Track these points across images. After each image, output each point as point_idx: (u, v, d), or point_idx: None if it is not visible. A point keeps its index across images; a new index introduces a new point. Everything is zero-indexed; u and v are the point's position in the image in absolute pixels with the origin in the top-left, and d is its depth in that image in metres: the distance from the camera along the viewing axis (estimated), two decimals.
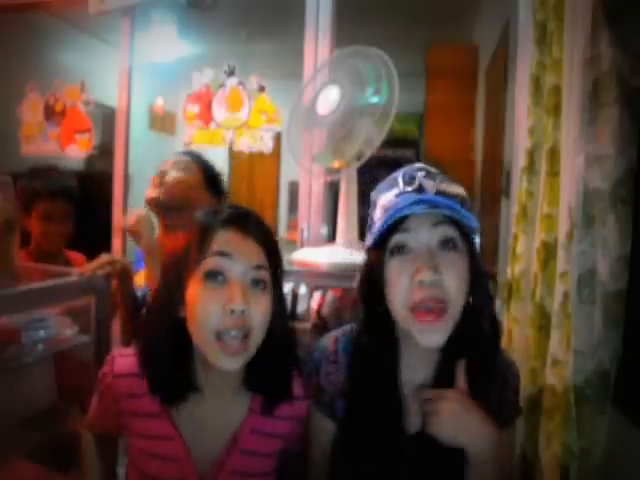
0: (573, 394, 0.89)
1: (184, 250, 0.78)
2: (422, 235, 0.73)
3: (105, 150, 2.76)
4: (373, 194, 0.82)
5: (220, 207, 0.82)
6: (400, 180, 0.76)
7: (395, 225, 0.74)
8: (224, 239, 0.76)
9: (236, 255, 0.75)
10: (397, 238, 0.74)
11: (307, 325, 1.84)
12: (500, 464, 0.75)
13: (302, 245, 2.01)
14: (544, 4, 1.14)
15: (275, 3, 3.04)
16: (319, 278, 1.54)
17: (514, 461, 1.08)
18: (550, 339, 0.99)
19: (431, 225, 0.73)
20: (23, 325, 1.23)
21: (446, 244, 0.74)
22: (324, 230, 2.13)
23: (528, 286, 1.17)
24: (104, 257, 1.26)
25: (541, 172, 1.11)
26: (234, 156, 4.88)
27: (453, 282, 0.72)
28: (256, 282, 0.76)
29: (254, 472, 0.82)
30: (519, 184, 1.25)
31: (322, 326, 1.74)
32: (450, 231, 0.74)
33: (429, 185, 0.74)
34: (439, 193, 0.74)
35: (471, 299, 0.76)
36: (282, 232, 5.03)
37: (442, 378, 0.79)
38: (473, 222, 0.76)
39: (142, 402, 0.80)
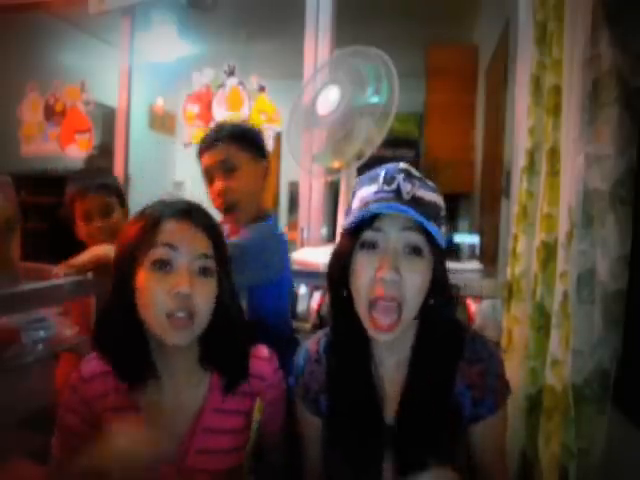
0: (572, 394, 0.89)
1: (134, 239, 0.81)
2: (391, 236, 0.78)
3: (105, 150, 2.76)
4: (355, 184, 0.86)
5: (169, 199, 0.85)
6: (381, 178, 0.79)
7: (369, 222, 0.78)
8: (171, 230, 0.80)
9: (182, 247, 0.79)
10: (368, 235, 0.78)
11: (307, 325, 1.84)
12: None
13: (302, 245, 2.01)
14: (544, 4, 1.14)
15: (275, 3, 3.04)
16: (319, 278, 1.55)
17: (511, 451, 1.08)
18: (550, 339, 0.99)
19: (401, 229, 0.77)
20: (23, 325, 1.23)
21: (411, 249, 0.78)
22: (324, 230, 2.13)
23: (528, 286, 1.17)
24: (75, 261, 1.22)
25: (541, 172, 1.11)
26: None
27: (411, 284, 0.76)
28: (202, 270, 0.81)
29: (219, 449, 0.85)
30: (519, 184, 1.25)
31: (322, 326, 1.74)
32: (416, 237, 0.77)
33: (407, 189, 0.77)
34: (415, 199, 0.77)
35: (433, 300, 0.81)
36: None
37: (412, 369, 0.82)
38: (438, 236, 0.78)
39: (112, 398, 0.84)
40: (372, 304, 0.77)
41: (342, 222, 1.55)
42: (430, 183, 0.82)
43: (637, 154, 0.85)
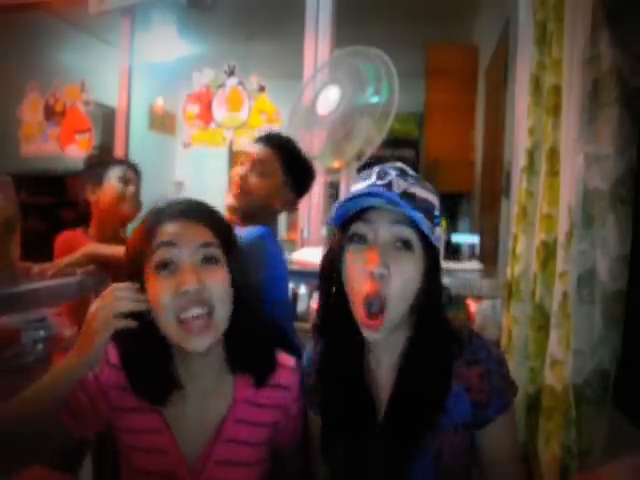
0: (572, 394, 0.89)
1: (136, 250, 0.80)
2: (380, 229, 0.76)
3: (105, 150, 2.76)
4: (350, 185, 0.85)
5: (163, 203, 0.83)
6: (374, 173, 0.79)
7: (358, 215, 0.77)
8: (166, 230, 0.78)
9: (180, 241, 0.77)
10: (357, 227, 0.77)
11: (307, 325, 1.84)
12: None
13: (302, 245, 2.01)
14: (544, 4, 1.14)
15: (275, 3, 3.04)
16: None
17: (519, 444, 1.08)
18: (549, 339, 0.99)
19: (390, 222, 0.76)
20: (23, 325, 1.23)
21: (402, 243, 0.76)
22: (324, 230, 2.13)
23: (528, 286, 1.17)
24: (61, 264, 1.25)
25: (541, 172, 1.11)
26: (234, 156, 4.89)
27: (398, 280, 0.75)
28: (207, 259, 0.78)
29: (240, 461, 0.83)
30: (519, 184, 1.25)
31: None
32: (407, 232, 0.76)
33: (399, 184, 0.76)
34: (406, 194, 0.76)
35: (423, 301, 0.79)
36: (282, 232, 5.03)
37: (403, 368, 0.81)
38: (429, 232, 0.76)
39: (132, 395, 0.81)
40: (363, 305, 0.75)
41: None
42: (427, 184, 0.81)
43: (637, 154, 0.85)
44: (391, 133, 1.46)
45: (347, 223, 0.79)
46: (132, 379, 0.80)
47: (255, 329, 0.84)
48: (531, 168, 1.20)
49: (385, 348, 0.82)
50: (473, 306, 1.71)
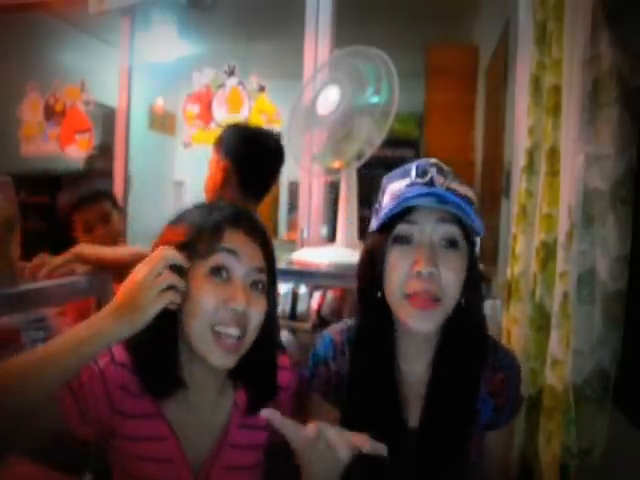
0: (573, 394, 0.89)
1: (188, 244, 0.76)
2: (427, 229, 0.75)
3: (105, 150, 2.76)
4: (384, 180, 0.83)
5: (221, 205, 0.82)
6: (413, 171, 0.77)
7: (402, 215, 0.75)
8: (232, 237, 0.76)
9: (242, 254, 0.76)
10: (402, 228, 0.76)
11: (307, 325, 1.84)
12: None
13: (302, 245, 2.01)
14: (544, 4, 1.14)
15: (275, 3, 3.04)
16: (319, 278, 1.54)
17: (513, 457, 1.08)
18: (550, 339, 0.99)
19: (436, 221, 0.75)
20: (23, 325, 1.23)
21: (448, 242, 0.75)
22: (324, 230, 2.13)
23: (527, 286, 1.17)
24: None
25: (541, 172, 1.11)
26: None
27: (448, 280, 0.74)
28: (256, 284, 0.77)
29: (245, 465, 0.83)
30: (519, 184, 1.25)
31: (322, 326, 1.75)
32: (454, 230, 0.75)
33: (440, 180, 0.75)
34: (449, 190, 0.75)
35: (464, 299, 0.78)
36: (282, 232, 5.03)
37: (438, 370, 0.80)
38: (478, 225, 0.76)
39: (137, 402, 0.79)
40: (408, 297, 0.74)
41: (344, 223, 1.55)
42: (461, 178, 0.80)
43: (637, 154, 0.85)
44: (391, 133, 1.46)
45: (387, 224, 0.77)
46: (138, 369, 0.77)
47: (268, 353, 0.83)
48: (531, 168, 1.20)
49: (419, 348, 0.81)
50: None
